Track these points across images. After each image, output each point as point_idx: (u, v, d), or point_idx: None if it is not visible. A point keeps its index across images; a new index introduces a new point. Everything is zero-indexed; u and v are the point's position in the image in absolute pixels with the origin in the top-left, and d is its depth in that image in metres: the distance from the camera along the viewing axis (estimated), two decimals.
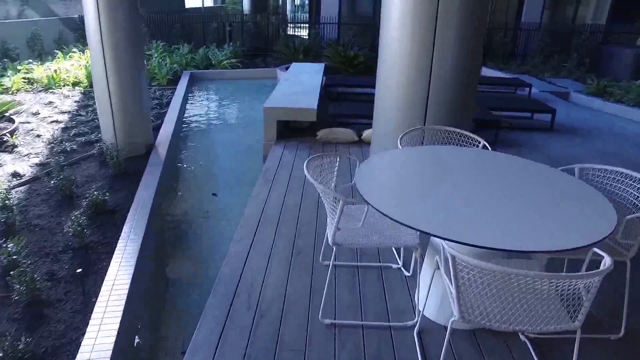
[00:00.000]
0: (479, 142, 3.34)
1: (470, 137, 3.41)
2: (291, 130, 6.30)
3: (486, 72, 12.22)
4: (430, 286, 2.48)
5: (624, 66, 11.02)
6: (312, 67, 8.98)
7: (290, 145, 5.77)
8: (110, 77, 5.18)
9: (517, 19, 14.99)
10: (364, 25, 14.34)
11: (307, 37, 15.27)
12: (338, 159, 2.86)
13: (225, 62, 11.79)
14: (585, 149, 6.14)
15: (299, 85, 7.07)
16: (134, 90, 5.39)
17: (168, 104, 8.30)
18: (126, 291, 2.82)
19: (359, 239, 2.44)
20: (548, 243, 1.85)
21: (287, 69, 11.61)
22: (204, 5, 18.06)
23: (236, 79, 11.45)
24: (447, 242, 1.86)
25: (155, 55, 11.58)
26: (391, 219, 1.99)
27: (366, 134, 5.87)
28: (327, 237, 2.80)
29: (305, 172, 2.45)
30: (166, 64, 10.65)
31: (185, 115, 8.25)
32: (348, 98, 8.44)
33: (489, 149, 3.25)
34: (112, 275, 2.99)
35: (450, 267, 1.80)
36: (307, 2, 17.59)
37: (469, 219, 2.02)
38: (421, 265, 2.67)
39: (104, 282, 2.89)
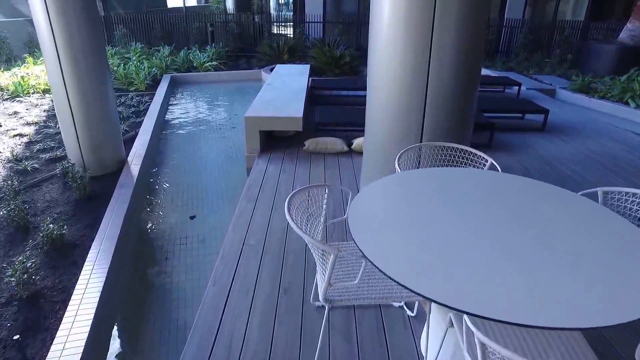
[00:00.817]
0: (486, 161, 2.91)
1: (476, 155, 2.99)
2: (276, 139, 5.83)
3: None
4: (442, 345, 2.05)
5: (605, 62, 10.75)
6: (297, 68, 8.50)
7: (275, 157, 5.31)
8: (68, 84, 4.59)
9: (501, 15, 14.65)
10: (349, 24, 13.87)
11: (291, 35, 14.76)
12: (327, 191, 2.40)
13: (207, 64, 11.24)
14: (576, 149, 5.80)
15: (283, 90, 6.59)
16: (99, 98, 4.83)
17: (146, 111, 7.76)
18: (79, 356, 2.34)
19: (355, 296, 1.99)
20: (601, 315, 1.42)
21: (271, 70, 11.11)
22: (187, 5, 17.40)
23: (219, 82, 10.91)
24: (470, 316, 1.43)
25: (134, 58, 10.98)
26: (398, 283, 1.55)
27: (357, 143, 5.43)
28: (316, 281, 2.36)
29: (287, 215, 1.99)
30: (145, 67, 10.07)
31: (164, 123, 7.71)
32: (335, 101, 7.98)
33: (498, 168, 2.82)
34: (64, 332, 2.51)
35: (479, 355, 1.36)
36: (291, 0, 17.05)
37: (496, 281, 1.57)
38: (429, 311, 2.24)
39: (54, 343, 2.40)
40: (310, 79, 8.26)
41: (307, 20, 13.77)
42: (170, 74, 10.60)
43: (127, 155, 5.56)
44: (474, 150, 3.00)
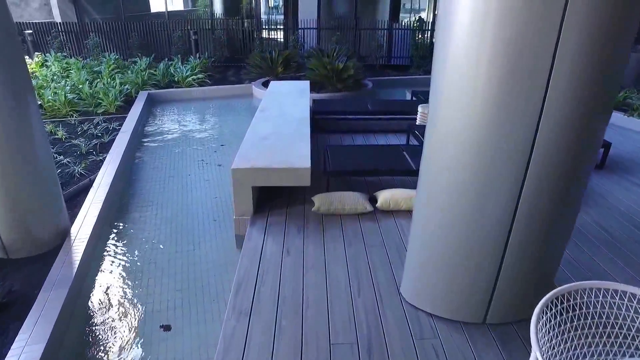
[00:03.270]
0: None
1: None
2: (272, 190, 4.32)
3: None
4: None
5: (627, 72, 9.40)
6: (296, 86, 6.99)
7: (275, 223, 3.80)
8: None
9: None
10: (346, 30, 12.37)
11: (282, 40, 13.21)
12: None
13: (190, 78, 9.67)
14: None
15: (281, 120, 5.08)
16: (19, 144, 3.28)
17: (112, 142, 6.19)
18: None
19: None
20: None
21: (264, 84, 9.59)
22: (171, 10, 15.67)
23: (204, 99, 9.34)
24: None
25: (105, 72, 9.37)
26: None
27: (383, 198, 3.94)
28: None
29: None
30: (116, 84, 8.46)
31: (135, 159, 6.15)
32: (342, 127, 6.49)
33: None
34: None
35: None
36: (281, 4, 15.50)
37: None
38: None
39: None
40: (311, 100, 6.75)
41: (301, 27, 12.25)
42: (147, 91, 9.01)
43: (74, 220, 4.01)
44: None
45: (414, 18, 20.33)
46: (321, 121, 6.58)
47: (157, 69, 9.96)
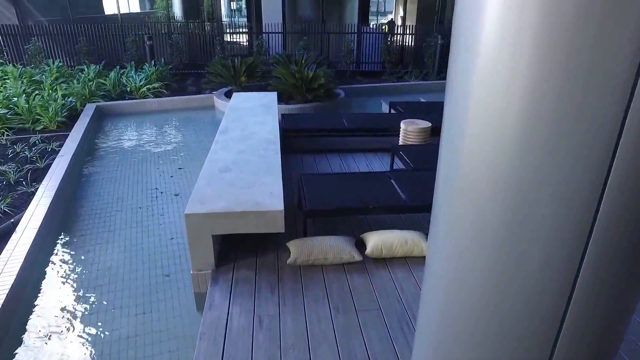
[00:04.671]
0: None
1: None
2: (239, 236, 3.56)
3: None
4: None
5: None
6: (261, 99, 6.23)
7: (243, 282, 3.05)
8: None
9: None
10: (314, 34, 11.68)
11: (246, 44, 12.38)
12: None
13: (145, 87, 8.69)
14: None
15: (246, 144, 4.31)
16: None
17: (48, 169, 5.23)
18: None
19: None
20: None
21: (226, 94, 8.75)
22: (129, 12, 14.43)
23: (160, 111, 8.40)
24: None
25: (48, 81, 8.26)
26: None
27: (373, 244, 3.26)
28: None
29: None
30: (58, 97, 7.40)
31: (75, 190, 5.21)
32: (317, 147, 5.78)
33: None
34: None
35: None
36: (244, 6, 14.64)
37: None
38: None
39: None
40: (280, 115, 6.02)
41: (265, 31, 11.47)
42: (95, 104, 7.98)
43: None
44: None
45: (383, 20, 19.96)
46: (292, 139, 5.85)
47: (107, 77, 8.92)
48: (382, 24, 18.84)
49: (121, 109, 8.18)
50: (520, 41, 1.21)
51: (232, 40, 12.88)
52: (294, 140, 5.83)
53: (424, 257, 3.32)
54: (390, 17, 20.37)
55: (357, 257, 3.19)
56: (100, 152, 6.31)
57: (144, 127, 7.53)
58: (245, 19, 13.68)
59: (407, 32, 12.20)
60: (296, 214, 3.95)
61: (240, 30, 13.26)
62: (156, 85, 8.93)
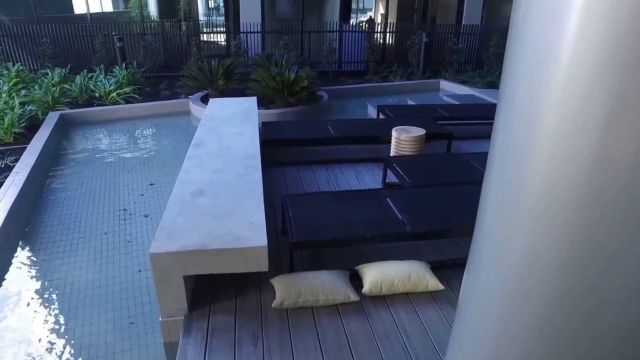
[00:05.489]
0: None
1: None
2: (215, 275, 3.06)
3: (457, 89, 9.67)
4: None
5: None
6: (239, 106, 5.72)
7: (220, 330, 2.56)
8: None
9: (458, 20, 12.64)
10: (294, 33, 11.18)
11: (224, 44, 11.78)
12: None
13: (115, 93, 8.06)
14: None
15: (221, 161, 3.81)
16: None
17: (0, 187, 4.63)
18: None
19: None
20: None
21: (203, 99, 8.18)
22: (100, 12, 13.59)
23: (132, 119, 7.78)
24: None
25: (4, 87, 7.56)
26: None
27: (372, 281, 2.80)
28: None
29: None
30: (16, 105, 6.72)
31: (32, 213, 4.62)
32: (301, 158, 5.31)
33: None
34: None
35: None
36: (222, 5, 14.02)
37: None
38: None
39: None
40: (259, 123, 5.53)
41: (244, 30, 10.90)
42: (59, 111, 7.33)
43: None
44: None
45: (363, 18, 19.54)
46: (273, 150, 5.37)
47: (73, 83, 8.24)
48: (362, 22, 18.42)
49: (88, 117, 7.54)
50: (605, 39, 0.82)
51: (210, 40, 12.27)
52: (276, 150, 5.35)
53: (429, 293, 2.90)
54: (369, 14, 20.00)
55: (354, 296, 2.74)
56: (63, 166, 5.70)
57: (114, 137, 6.92)
58: (223, 19, 13.07)
59: (389, 30, 11.80)
60: (280, 242, 3.48)
61: (218, 29, 12.66)
62: (127, 90, 8.30)
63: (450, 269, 3.20)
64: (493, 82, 9.79)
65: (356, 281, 2.94)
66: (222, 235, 2.64)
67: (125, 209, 4.61)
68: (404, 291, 2.83)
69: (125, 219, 4.43)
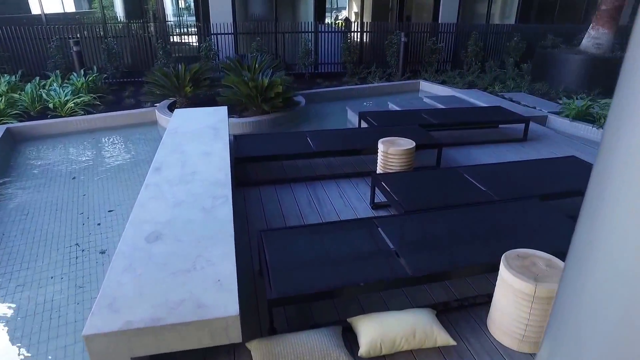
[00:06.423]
0: None
1: None
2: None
3: (437, 90, 9.26)
4: None
5: (569, 74, 8.81)
6: (208, 118, 5.11)
7: None
8: None
9: (434, 19, 12.25)
10: (267, 34, 10.55)
11: (195, 45, 11.04)
12: None
13: (72, 103, 7.28)
14: None
15: (185, 190, 3.22)
16: None
17: None
18: None
19: None
20: None
21: (170, 107, 7.50)
22: (58, 12, 12.51)
23: (90, 131, 7.03)
24: None
25: None
26: None
27: (370, 341, 2.28)
28: None
29: None
30: None
31: None
32: (279, 176, 4.74)
33: None
34: None
35: None
36: (192, 6, 13.20)
37: None
38: None
39: None
40: (230, 136, 4.94)
41: (214, 32, 10.21)
42: (6, 125, 6.53)
43: None
44: None
45: (340, 17, 18.99)
46: (246, 168, 4.79)
47: (23, 92, 7.42)
48: (339, 19, 17.87)
49: (40, 130, 6.75)
50: None
51: (179, 41, 11.48)
52: (249, 167, 4.77)
53: (437, 349, 2.40)
54: (344, 13, 19.49)
55: None
56: (4, 192, 4.96)
57: (68, 153, 6.17)
58: (193, 19, 12.30)
59: (366, 30, 11.31)
60: (258, 285, 2.92)
61: (187, 31, 11.88)
62: (86, 98, 7.53)
63: (457, 311, 2.72)
64: (473, 82, 9.43)
65: (350, 334, 2.42)
66: (181, 303, 2.06)
67: (77, 244, 3.95)
68: (409, 349, 2.32)
69: (77, 257, 3.78)
